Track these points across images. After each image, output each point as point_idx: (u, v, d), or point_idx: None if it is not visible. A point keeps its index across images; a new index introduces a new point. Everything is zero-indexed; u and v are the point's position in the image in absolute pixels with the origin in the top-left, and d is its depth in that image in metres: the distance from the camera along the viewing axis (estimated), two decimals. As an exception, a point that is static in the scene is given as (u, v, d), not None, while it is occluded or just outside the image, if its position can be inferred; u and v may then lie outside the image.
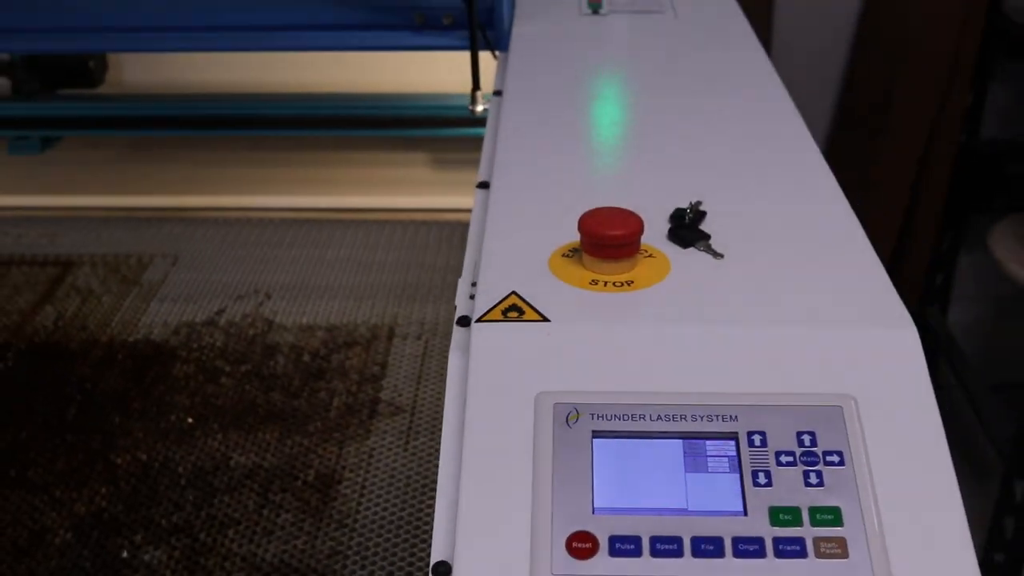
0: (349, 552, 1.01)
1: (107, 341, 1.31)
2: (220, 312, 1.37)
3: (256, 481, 1.10)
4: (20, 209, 1.61)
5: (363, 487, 1.08)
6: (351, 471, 1.10)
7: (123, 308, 1.38)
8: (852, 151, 2.11)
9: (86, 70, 1.57)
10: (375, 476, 1.09)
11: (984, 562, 1.99)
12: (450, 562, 0.60)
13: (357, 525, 1.04)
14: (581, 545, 0.59)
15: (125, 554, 1.01)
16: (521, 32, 1.23)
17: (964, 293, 2.38)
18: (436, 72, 1.57)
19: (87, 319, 1.36)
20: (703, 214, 0.81)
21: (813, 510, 0.61)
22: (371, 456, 1.12)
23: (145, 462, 1.12)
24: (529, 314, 0.70)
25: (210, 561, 1.00)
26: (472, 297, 0.74)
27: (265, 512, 1.06)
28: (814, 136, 2.21)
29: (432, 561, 0.62)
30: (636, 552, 0.59)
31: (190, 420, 1.18)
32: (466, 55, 1.22)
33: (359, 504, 1.06)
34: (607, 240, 0.73)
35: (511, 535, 0.60)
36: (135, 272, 1.45)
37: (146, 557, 1.01)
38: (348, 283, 1.42)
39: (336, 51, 1.27)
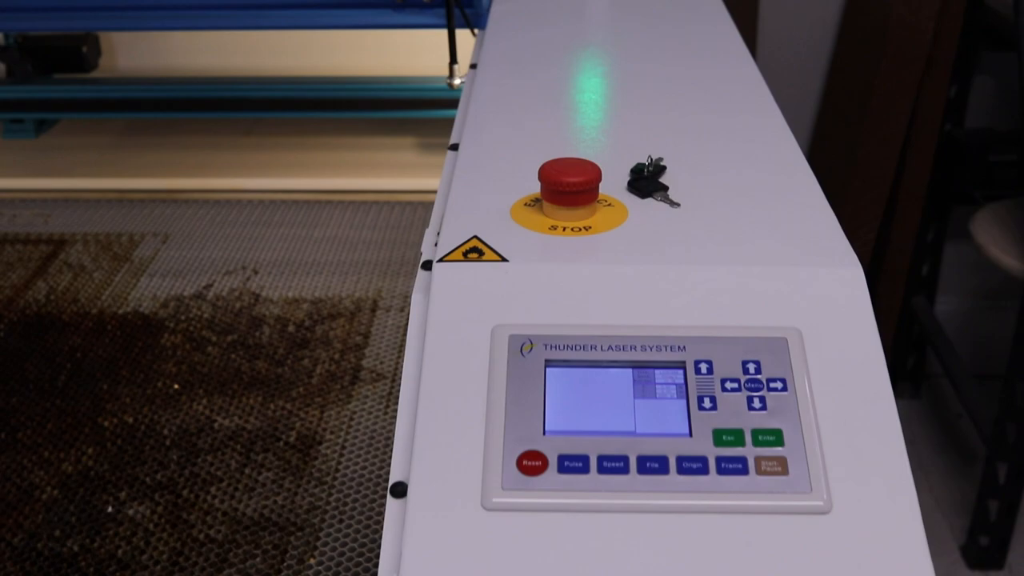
0: (328, 507, 1.03)
1: (97, 313, 1.34)
2: (208, 286, 1.40)
3: (239, 442, 1.13)
4: (15, 191, 1.64)
5: (343, 447, 1.11)
6: (332, 433, 1.13)
7: (114, 283, 1.40)
8: (835, 140, 2.14)
9: (79, 55, 1.60)
10: (355, 437, 1.12)
11: (969, 545, 2.01)
12: (407, 482, 0.63)
13: (336, 483, 1.06)
14: (531, 463, 0.62)
15: (110, 509, 1.04)
16: (500, 9, 1.26)
17: (951, 284, 2.41)
18: (422, 56, 1.60)
19: (78, 293, 1.39)
20: (663, 168, 0.84)
21: (755, 432, 0.63)
22: (352, 419, 1.15)
23: (131, 425, 1.15)
24: (488, 255, 0.73)
25: (192, 515, 1.03)
26: (437, 245, 0.77)
27: (247, 471, 1.09)
28: (799, 124, 2.24)
29: (391, 482, 0.64)
30: (584, 469, 0.62)
31: (176, 386, 1.21)
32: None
33: (339, 463, 1.09)
34: (566, 187, 0.76)
35: (465, 455, 0.63)
36: (126, 249, 1.48)
37: (130, 512, 1.04)
38: (334, 260, 1.45)
39: (317, 29, 1.31)
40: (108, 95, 1.60)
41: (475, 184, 0.83)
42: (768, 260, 0.72)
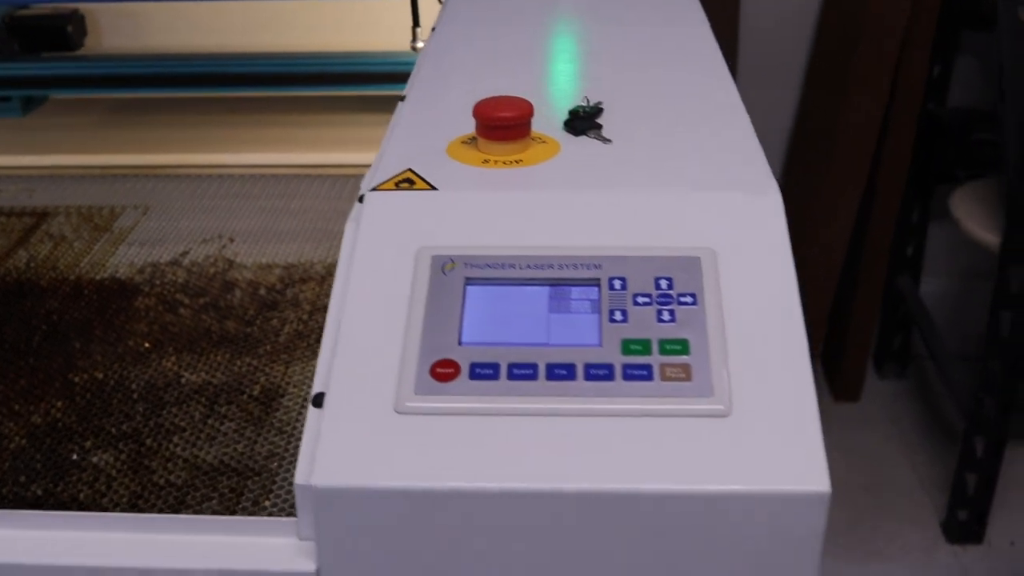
0: (286, 455, 1.06)
1: (75, 279, 1.37)
2: (184, 254, 1.42)
3: (204, 395, 1.15)
4: (1, 168, 1.67)
5: (304, 400, 1.13)
6: (295, 387, 1.15)
7: (93, 251, 1.43)
8: (817, 121, 2.16)
9: (64, 35, 1.64)
10: (317, 391, 1.14)
11: (949, 520, 2.02)
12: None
13: (296, 432, 1.08)
14: (444, 370, 0.64)
15: (75, 456, 1.07)
16: (465, -23, 1.29)
17: (938, 265, 2.42)
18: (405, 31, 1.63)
19: (58, 261, 1.42)
20: (600, 110, 0.86)
21: (663, 342, 0.66)
22: (316, 374, 1.17)
23: (101, 380, 1.18)
24: (419, 184, 0.76)
25: (154, 462, 1.06)
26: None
27: (210, 421, 1.11)
28: (782, 105, 2.24)
29: (312, 394, 0.67)
30: (494, 376, 0.64)
31: (147, 344, 1.23)
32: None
33: (299, 415, 1.11)
34: (498, 121, 0.79)
35: (382, 365, 0.65)
36: (107, 221, 1.51)
37: (94, 459, 1.06)
38: (308, 228, 1.47)
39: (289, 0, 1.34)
40: (93, 71, 1.63)
41: (416, 126, 0.86)
42: (689, 186, 0.75)
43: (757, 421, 0.62)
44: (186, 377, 1.19)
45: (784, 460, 0.61)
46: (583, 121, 0.83)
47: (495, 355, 0.65)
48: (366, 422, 0.62)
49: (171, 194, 1.59)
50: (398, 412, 0.63)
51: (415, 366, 0.64)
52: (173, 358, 1.22)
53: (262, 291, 1.34)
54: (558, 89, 0.94)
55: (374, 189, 0.75)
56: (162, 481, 1.04)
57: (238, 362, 1.21)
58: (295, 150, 1.69)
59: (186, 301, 1.32)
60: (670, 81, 0.95)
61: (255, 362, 1.20)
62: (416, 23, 1.24)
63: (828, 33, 2.15)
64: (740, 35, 2.15)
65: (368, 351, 0.66)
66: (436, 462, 0.61)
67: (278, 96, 1.79)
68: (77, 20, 1.67)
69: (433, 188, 0.75)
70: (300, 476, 0.62)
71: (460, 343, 0.66)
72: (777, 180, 0.74)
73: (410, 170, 0.77)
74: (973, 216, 1.91)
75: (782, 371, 0.65)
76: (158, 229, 1.49)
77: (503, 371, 0.64)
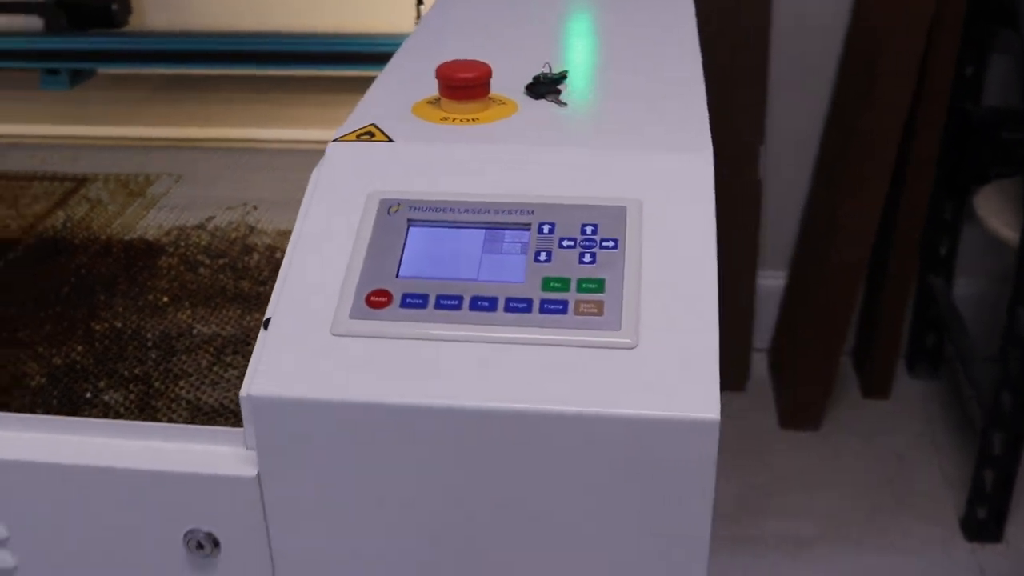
0: (280, 400, 1.13)
1: (106, 239, 1.46)
2: (210, 219, 1.50)
3: (213, 345, 1.23)
4: (47, 137, 1.77)
5: (303, 352, 1.20)
6: (296, 340, 1.22)
7: (125, 214, 1.52)
8: (845, 115, 2.18)
9: (109, 13, 1.74)
10: (316, 344, 1.21)
11: (968, 518, 2.02)
12: (275, 316, 0.72)
13: (291, 380, 1.15)
14: (378, 299, 0.71)
15: (88, 395, 1.15)
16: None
17: (973, 266, 2.41)
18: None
19: (92, 222, 1.51)
20: (562, 77, 0.92)
21: (581, 280, 0.71)
22: (269, 303, 1.24)
23: (120, 329, 1.26)
24: (379, 137, 0.82)
25: (159, 403, 1.13)
26: (343, 134, 0.86)
27: (215, 369, 1.19)
28: (814, 102, 2.23)
29: (264, 319, 0.73)
30: (423, 305, 0.70)
31: (166, 299, 1.32)
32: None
33: (297, 365, 1.18)
34: (457, 82, 0.84)
35: (325, 294, 0.72)
36: (142, 187, 1.60)
37: (105, 398, 1.14)
38: (329, 199, 1.55)
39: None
40: (135, 47, 1.73)
41: (390, 88, 0.92)
42: (626, 145, 0.80)
43: (659, 354, 0.67)
44: (198, 329, 1.27)
45: (680, 389, 0.65)
46: (543, 86, 0.89)
47: (426, 287, 0.71)
48: (304, 341, 0.69)
49: (204, 164, 1.68)
50: (334, 334, 0.69)
51: (353, 295, 0.70)
52: (188, 311, 1.30)
53: (278, 254, 1.41)
54: (532, 58, 0.99)
55: (336, 140, 0.81)
56: (165, 419, 1.12)
57: (248, 317, 1.28)
58: (323, 127, 1.76)
59: (206, 261, 1.40)
60: (640, 55, 1.00)
61: (263, 318, 1.28)
62: (420, 1, 1.31)
63: (857, 34, 2.16)
64: (772, 37, 2.17)
65: (313, 281, 0.72)
66: (364, 379, 0.67)
67: (310, 75, 1.87)
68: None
69: (390, 140, 0.81)
70: (244, 389, 0.69)
71: (397, 276, 0.72)
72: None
73: (373, 124, 0.83)
74: (997, 214, 1.91)
75: (689, 311, 0.69)
76: (188, 196, 1.58)
77: (431, 301, 0.70)
